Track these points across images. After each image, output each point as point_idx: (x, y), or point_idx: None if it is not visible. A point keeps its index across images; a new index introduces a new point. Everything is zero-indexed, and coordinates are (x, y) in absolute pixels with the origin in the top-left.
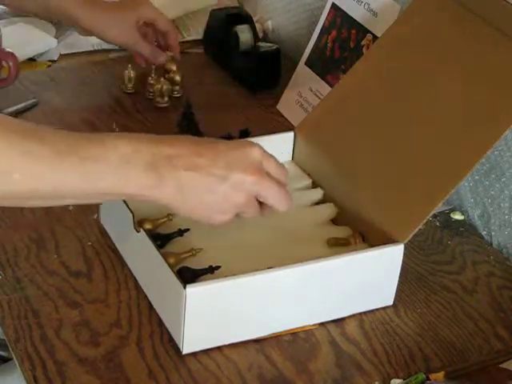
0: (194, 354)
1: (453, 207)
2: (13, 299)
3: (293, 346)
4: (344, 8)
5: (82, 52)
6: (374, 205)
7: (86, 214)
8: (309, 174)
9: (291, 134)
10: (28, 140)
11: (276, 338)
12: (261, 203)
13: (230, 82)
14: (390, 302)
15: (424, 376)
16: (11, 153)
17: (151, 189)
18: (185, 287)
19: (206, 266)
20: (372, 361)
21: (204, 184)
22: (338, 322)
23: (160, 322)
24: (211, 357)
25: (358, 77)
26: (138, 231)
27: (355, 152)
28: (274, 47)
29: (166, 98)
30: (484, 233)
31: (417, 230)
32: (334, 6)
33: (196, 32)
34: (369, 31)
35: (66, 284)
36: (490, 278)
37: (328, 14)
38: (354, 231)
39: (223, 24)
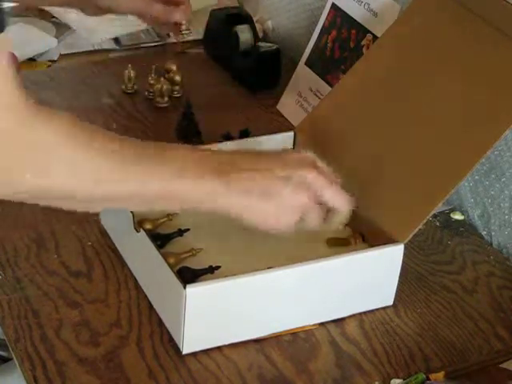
0: (194, 354)
1: (453, 207)
2: (13, 299)
3: (293, 346)
4: (344, 8)
5: (82, 52)
6: (373, 205)
7: (86, 214)
8: None
9: (291, 134)
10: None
11: (276, 338)
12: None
13: (230, 82)
14: (390, 302)
15: (424, 376)
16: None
17: (218, 195)
18: (185, 287)
19: (206, 266)
20: (372, 361)
21: (268, 185)
22: (338, 321)
23: (160, 322)
24: (211, 357)
25: (358, 77)
26: (137, 231)
27: (355, 152)
28: (274, 47)
29: (166, 98)
30: (484, 233)
31: (417, 230)
32: (333, 6)
33: (196, 32)
34: (369, 31)
35: (66, 284)
36: (490, 278)
37: (328, 14)
38: (354, 231)
39: (223, 24)
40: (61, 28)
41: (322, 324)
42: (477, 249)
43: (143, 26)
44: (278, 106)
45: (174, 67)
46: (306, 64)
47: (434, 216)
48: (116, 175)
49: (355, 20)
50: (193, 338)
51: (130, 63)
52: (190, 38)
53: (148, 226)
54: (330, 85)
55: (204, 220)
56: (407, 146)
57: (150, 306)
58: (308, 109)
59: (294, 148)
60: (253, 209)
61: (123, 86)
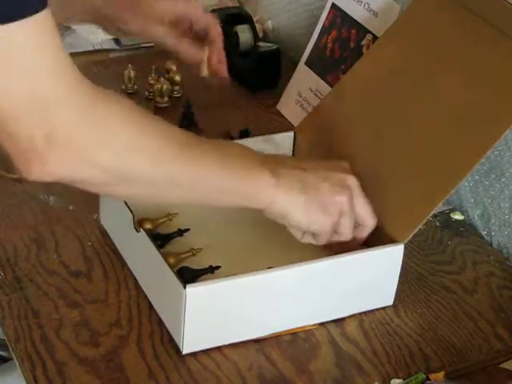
0: (193, 354)
1: (453, 207)
2: (13, 299)
3: (293, 346)
4: (344, 8)
5: (82, 52)
6: (374, 205)
7: (85, 214)
8: None
9: (291, 134)
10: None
11: (276, 338)
12: None
13: (230, 82)
14: (390, 302)
15: (424, 376)
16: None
17: (270, 187)
18: (185, 287)
19: (206, 266)
20: (372, 361)
21: (310, 181)
22: (338, 321)
23: (160, 322)
24: (211, 357)
25: (357, 77)
26: (138, 231)
27: (355, 152)
28: (274, 47)
29: (166, 98)
30: (484, 233)
31: (417, 229)
32: (334, 6)
33: None
34: (369, 31)
35: (66, 284)
36: (490, 278)
37: (328, 14)
38: None
39: (223, 24)
40: (61, 28)
41: (322, 324)
42: (477, 249)
43: None
44: (278, 106)
45: (173, 67)
46: (306, 64)
47: (434, 216)
48: (176, 157)
49: (355, 20)
50: (193, 338)
51: (130, 63)
52: None
53: (148, 226)
54: (330, 85)
55: (204, 220)
56: (407, 146)
57: (150, 306)
58: (308, 109)
59: (293, 148)
60: (299, 206)
61: (123, 86)
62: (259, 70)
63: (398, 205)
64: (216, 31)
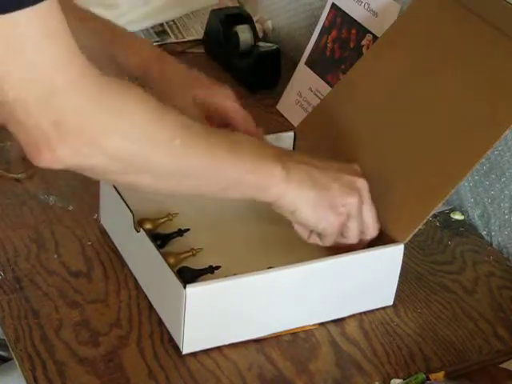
0: (193, 354)
1: (453, 207)
2: (13, 299)
3: (293, 346)
4: (344, 8)
5: None
6: (374, 204)
7: (85, 214)
8: None
9: (291, 134)
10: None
11: (276, 338)
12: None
13: (230, 82)
14: (390, 302)
15: (424, 376)
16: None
17: (280, 180)
18: (185, 287)
19: (206, 266)
20: (372, 361)
21: (321, 179)
22: (338, 321)
23: (160, 322)
24: (211, 357)
25: (358, 77)
26: (138, 231)
27: (355, 152)
28: (274, 47)
29: None
30: (484, 233)
31: (417, 230)
32: (334, 6)
33: (196, 32)
34: (369, 31)
35: (66, 284)
36: (490, 278)
37: (328, 14)
38: None
39: (223, 24)
40: None
41: (322, 324)
42: (477, 249)
43: (143, 25)
44: (278, 106)
45: None
46: (306, 64)
47: (434, 216)
48: (189, 147)
49: (355, 20)
50: (193, 338)
51: None
52: (190, 38)
53: (148, 226)
54: (330, 85)
55: (204, 220)
56: (407, 146)
57: (150, 306)
58: (308, 109)
59: (294, 148)
60: (308, 202)
61: None
62: (259, 70)
63: (398, 205)
64: (253, 129)
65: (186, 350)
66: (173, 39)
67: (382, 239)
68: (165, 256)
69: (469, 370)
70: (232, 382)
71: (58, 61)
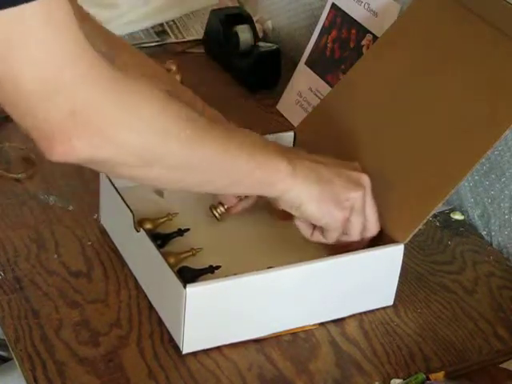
0: (194, 354)
1: (453, 207)
2: (13, 299)
3: (293, 346)
4: (344, 8)
5: None
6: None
7: (85, 214)
8: None
9: (291, 134)
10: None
11: (276, 338)
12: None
13: (230, 82)
14: (390, 302)
15: (424, 376)
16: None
17: (286, 175)
18: (185, 287)
19: (206, 266)
20: (372, 361)
21: (325, 174)
22: (338, 321)
23: (160, 322)
24: (211, 357)
25: (358, 77)
26: (138, 231)
27: (355, 152)
28: (274, 47)
29: None
30: (484, 233)
31: (417, 230)
32: (334, 6)
33: (196, 32)
34: (369, 31)
35: (66, 284)
36: (490, 278)
37: (328, 14)
38: None
39: (223, 24)
40: None
41: (322, 324)
42: (477, 249)
43: (143, 25)
44: (278, 106)
45: (173, 67)
46: (306, 64)
47: (434, 216)
48: (200, 140)
49: (355, 20)
50: (193, 337)
51: None
52: (190, 38)
53: (148, 226)
54: (330, 85)
55: (204, 220)
56: (407, 146)
57: (150, 306)
58: (308, 109)
59: None
60: (314, 196)
61: None
62: (259, 70)
63: (398, 205)
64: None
65: (186, 350)
66: (173, 39)
67: (382, 239)
68: (165, 256)
69: (469, 370)
70: (232, 382)
71: (68, 53)
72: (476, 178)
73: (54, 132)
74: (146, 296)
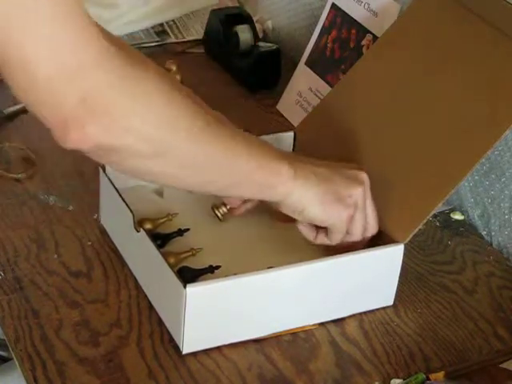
0: (194, 354)
1: (453, 207)
2: (13, 299)
3: (293, 346)
4: (344, 8)
5: None
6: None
7: (85, 214)
8: None
9: (291, 134)
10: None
11: (276, 338)
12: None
13: (230, 82)
14: (390, 302)
15: (424, 376)
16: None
17: (288, 178)
18: (185, 287)
19: (206, 266)
20: (372, 361)
21: (325, 174)
22: (338, 321)
23: (160, 322)
24: (211, 357)
25: (357, 77)
26: (138, 231)
27: (355, 152)
28: (274, 47)
29: None
30: (484, 233)
31: (417, 230)
32: (334, 6)
33: (196, 32)
34: (369, 31)
35: (66, 284)
36: (490, 278)
37: (328, 14)
38: None
39: (223, 24)
40: None
41: (322, 324)
42: (477, 249)
43: (143, 25)
44: (278, 106)
45: (173, 67)
46: (306, 64)
47: (434, 216)
48: (206, 134)
49: (355, 20)
50: (193, 337)
51: None
52: (190, 38)
53: (148, 226)
54: (330, 85)
55: (204, 220)
56: (407, 146)
57: (150, 306)
58: (308, 109)
59: (294, 148)
60: (316, 198)
61: None
62: (259, 70)
63: (398, 205)
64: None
65: (186, 350)
66: (173, 39)
67: (382, 239)
68: (165, 256)
69: (469, 370)
70: (232, 382)
71: (78, 40)
72: (476, 177)
73: (67, 119)
74: (145, 296)
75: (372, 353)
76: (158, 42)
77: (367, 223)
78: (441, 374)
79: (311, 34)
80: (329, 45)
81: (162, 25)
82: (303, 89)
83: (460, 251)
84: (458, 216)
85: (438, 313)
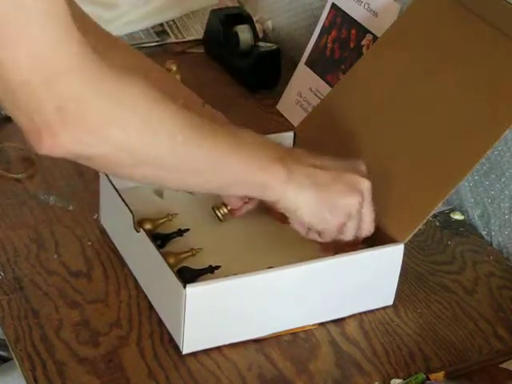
0: (194, 354)
1: (453, 207)
2: (13, 299)
3: (293, 346)
4: (344, 8)
5: None
6: (374, 204)
7: (85, 214)
8: None
9: (291, 134)
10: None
11: (276, 338)
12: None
13: (230, 82)
14: (390, 302)
15: (424, 376)
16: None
17: (281, 181)
18: (185, 287)
19: (206, 266)
20: (372, 361)
21: (322, 180)
22: (338, 321)
23: (160, 322)
24: (211, 357)
25: (357, 77)
26: (137, 231)
27: (355, 152)
28: (274, 47)
29: None
30: (484, 233)
31: (417, 230)
32: (334, 6)
33: (196, 32)
34: (369, 31)
35: (66, 284)
36: (490, 278)
37: (328, 14)
38: None
39: (223, 24)
40: None
41: (322, 324)
42: (477, 249)
43: (143, 25)
44: (278, 106)
45: (173, 67)
46: (306, 64)
47: (434, 216)
48: (193, 141)
49: (355, 20)
50: (193, 338)
51: None
52: (190, 38)
53: (148, 226)
54: (330, 85)
55: (204, 220)
56: (406, 146)
57: (150, 306)
58: (308, 109)
59: None
60: (309, 203)
61: None
62: (259, 70)
63: (398, 205)
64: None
65: (186, 350)
66: (173, 39)
67: (382, 239)
68: (165, 256)
69: (469, 370)
70: (232, 382)
71: (58, 45)
72: (476, 177)
73: (41, 126)
74: (145, 296)
75: (372, 353)
76: (157, 41)
77: (360, 228)
78: (441, 374)
79: (311, 34)
80: (329, 45)
81: (162, 25)
82: (303, 89)
83: (460, 251)
84: (458, 216)
85: (438, 313)
